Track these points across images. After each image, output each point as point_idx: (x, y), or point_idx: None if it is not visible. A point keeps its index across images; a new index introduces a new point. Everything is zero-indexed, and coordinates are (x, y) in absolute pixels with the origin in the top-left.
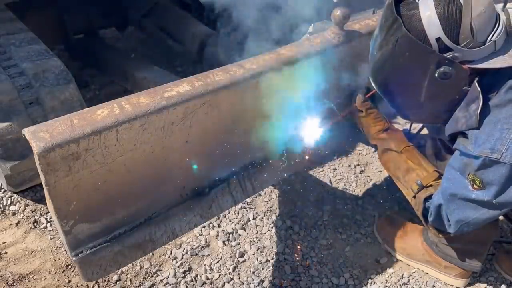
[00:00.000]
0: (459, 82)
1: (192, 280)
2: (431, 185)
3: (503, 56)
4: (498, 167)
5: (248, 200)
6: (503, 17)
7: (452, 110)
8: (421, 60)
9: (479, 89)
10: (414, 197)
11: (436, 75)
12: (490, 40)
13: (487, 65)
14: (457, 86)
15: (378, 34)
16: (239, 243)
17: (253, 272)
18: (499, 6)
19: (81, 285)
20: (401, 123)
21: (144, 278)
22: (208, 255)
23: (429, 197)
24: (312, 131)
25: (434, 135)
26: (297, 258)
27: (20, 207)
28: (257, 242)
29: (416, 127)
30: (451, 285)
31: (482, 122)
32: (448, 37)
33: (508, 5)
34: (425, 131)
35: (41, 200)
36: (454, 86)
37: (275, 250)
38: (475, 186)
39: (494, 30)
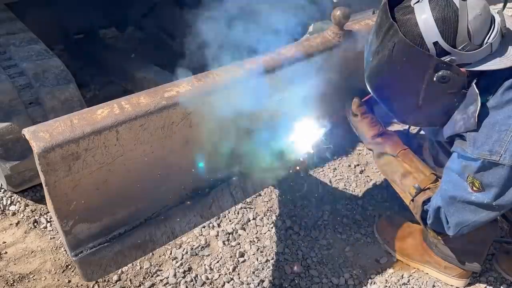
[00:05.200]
0: (457, 85)
1: (192, 280)
2: (428, 188)
3: (500, 57)
4: (497, 169)
5: (248, 200)
6: (498, 19)
7: (450, 113)
8: (419, 65)
9: (477, 91)
10: (412, 200)
11: (434, 79)
12: (487, 42)
13: (484, 67)
14: (455, 89)
15: (373, 39)
16: (239, 243)
17: (253, 272)
18: (499, 7)
19: (81, 285)
20: (401, 124)
21: (144, 278)
22: (208, 255)
23: (428, 200)
24: (310, 132)
25: (432, 137)
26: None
27: (20, 207)
28: (257, 242)
29: (415, 127)
30: (451, 285)
31: (480, 124)
32: (445, 40)
33: (508, 5)
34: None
35: (41, 200)
36: (452, 89)
37: (275, 250)
38: (474, 188)
39: (490, 32)
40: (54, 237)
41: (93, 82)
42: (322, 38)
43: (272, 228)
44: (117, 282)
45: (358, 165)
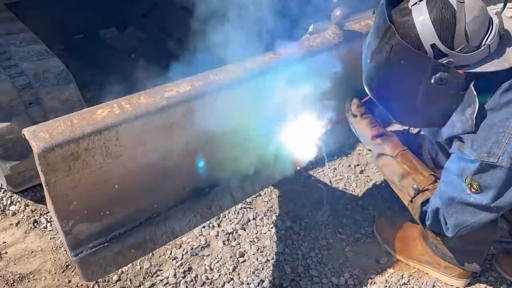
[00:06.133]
0: (455, 87)
1: (192, 280)
2: (427, 189)
3: (497, 59)
4: (495, 171)
5: (248, 200)
6: (496, 20)
7: (448, 114)
8: (416, 67)
9: (474, 93)
10: (411, 201)
11: (432, 81)
12: (484, 44)
13: (482, 69)
14: (453, 91)
15: (371, 41)
16: (239, 243)
17: (253, 272)
18: (498, 7)
19: (81, 285)
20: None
21: (144, 278)
22: (208, 255)
23: (426, 201)
24: (310, 132)
25: (431, 138)
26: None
27: (20, 207)
28: (257, 242)
29: (414, 128)
30: (451, 285)
31: (478, 126)
32: (443, 42)
33: (508, 5)
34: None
35: (41, 200)
36: (450, 90)
37: (275, 250)
38: (472, 189)
39: (488, 34)
40: (54, 237)
41: (93, 82)
42: (322, 38)
43: (272, 228)
44: (117, 282)
45: (358, 165)
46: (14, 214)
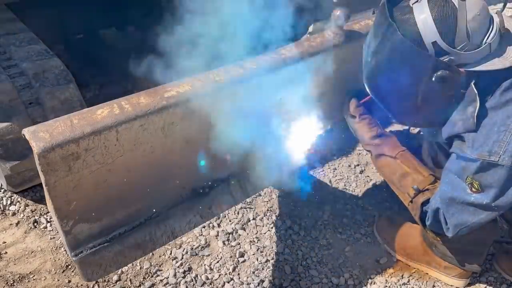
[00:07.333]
0: (456, 85)
1: (192, 280)
2: (427, 189)
3: (498, 58)
4: (496, 170)
5: (248, 200)
6: (496, 19)
7: (449, 113)
8: (417, 65)
9: (475, 91)
10: (411, 201)
11: (433, 79)
12: (485, 43)
13: (483, 67)
14: (454, 89)
15: (372, 39)
16: (239, 243)
17: (253, 272)
18: (499, 7)
19: (81, 285)
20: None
21: (144, 278)
22: (208, 255)
23: (426, 201)
24: (309, 132)
25: (431, 138)
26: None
27: (20, 207)
28: (257, 242)
29: (414, 128)
30: (451, 286)
31: (479, 124)
32: (444, 40)
33: (508, 5)
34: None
35: (41, 200)
36: (451, 89)
37: (275, 250)
38: (473, 189)
39: (489, 32)
40: (54, 237)
41: (93, 82)
42: (322, 38)
43: (272, 228)
44: (117, 282)
45: (358, 165)
46: (14, 214)
